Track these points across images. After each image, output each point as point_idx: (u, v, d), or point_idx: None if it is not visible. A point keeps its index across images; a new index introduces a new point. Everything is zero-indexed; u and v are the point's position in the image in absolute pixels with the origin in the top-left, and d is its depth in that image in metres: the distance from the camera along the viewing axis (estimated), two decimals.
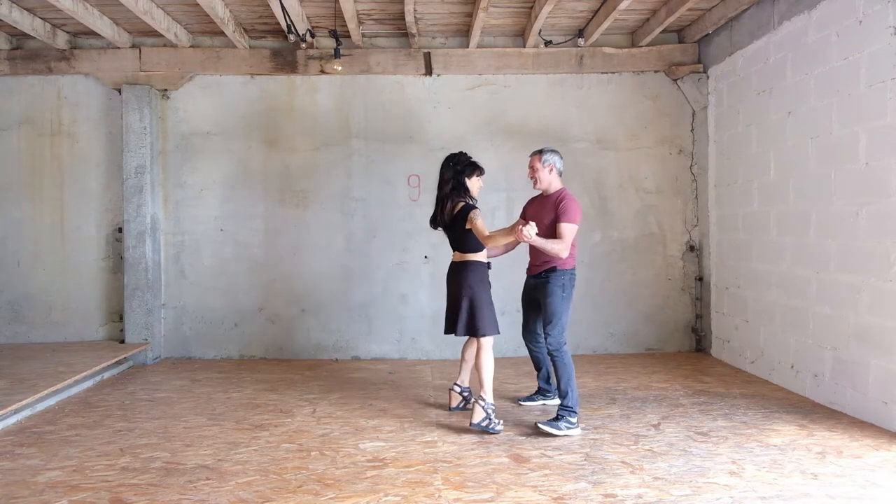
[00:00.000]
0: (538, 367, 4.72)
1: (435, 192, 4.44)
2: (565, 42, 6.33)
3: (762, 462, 3.51)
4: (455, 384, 4.59)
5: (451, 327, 4.36)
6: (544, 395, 4.73)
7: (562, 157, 4.41)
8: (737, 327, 5.80)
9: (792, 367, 4.96)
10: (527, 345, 4.68)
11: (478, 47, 6.34)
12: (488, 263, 4.36)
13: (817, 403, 4.59)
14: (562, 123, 6.41)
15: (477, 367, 4.23)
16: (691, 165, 6.49)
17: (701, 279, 6.44)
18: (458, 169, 4.34)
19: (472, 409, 4.13)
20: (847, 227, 4.34)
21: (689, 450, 3.71)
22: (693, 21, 6.12)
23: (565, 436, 3.98)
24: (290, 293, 6.44)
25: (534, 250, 4.35)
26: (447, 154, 4.44)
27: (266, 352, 6.44)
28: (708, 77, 6.28)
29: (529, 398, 4.77)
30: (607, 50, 6.38)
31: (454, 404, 4.57)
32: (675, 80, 6.42)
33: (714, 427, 4.11)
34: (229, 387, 5.30)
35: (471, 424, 4.07)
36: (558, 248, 4.05)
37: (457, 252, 4.37)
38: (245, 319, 6.43)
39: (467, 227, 4.21)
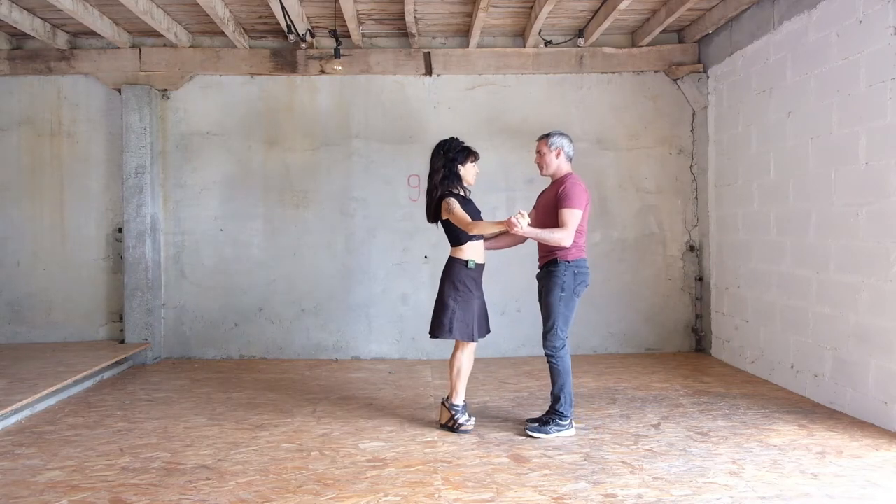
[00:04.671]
0: None
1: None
2: (565, 42, 6.33)
3: (762, 462, 3.51)
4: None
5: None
6: None
7: (572, 141, 4.10)
8: (737, 327, 5.80)
9: (792, 367, 4.96)
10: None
11: (478, 47, 6.34)
12: (469, 262, 3.98)
13: (817, 403, 4.59)
14: (562, 123, 6.38)
15: (449, 366, 4.07)
16: (691, 165, 6.49)
17: (701, 279, 6.44)
18: (449, 156, 4.06)
19: (439, 409, 4.18)
20: (847, 227, 4.34)
21: (689, 450, 3.71)
22: (693, 21, 6.11)
23: (556, 437, 3.90)
24: (290, 293, 6.44)
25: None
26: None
27: (266, 352, 6.44)
28: (708, 77, 6.28)
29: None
30: (607, 50, 6.38)
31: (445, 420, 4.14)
32: (675, 80, 6.42)
33: (714, 427, 4.11)
34: (229, 387, 5.30)
35: (439, 425, 4.14)
36: (558, 238, 3.75)
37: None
38: (245, 319, 6.43)
39: (444, 216, 3.96)
